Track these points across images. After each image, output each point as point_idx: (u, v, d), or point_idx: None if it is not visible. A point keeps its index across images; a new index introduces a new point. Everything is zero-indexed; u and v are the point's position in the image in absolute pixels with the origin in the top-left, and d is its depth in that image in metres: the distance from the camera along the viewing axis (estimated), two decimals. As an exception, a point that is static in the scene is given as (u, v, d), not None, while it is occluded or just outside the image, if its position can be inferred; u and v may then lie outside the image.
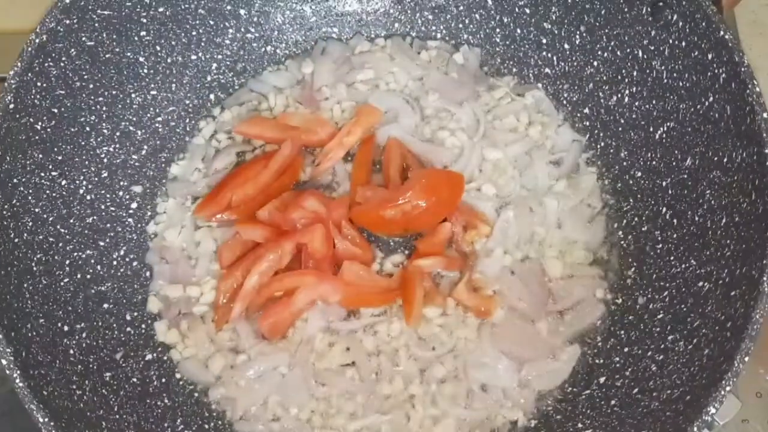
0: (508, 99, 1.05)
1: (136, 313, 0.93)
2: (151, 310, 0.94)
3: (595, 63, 0.99)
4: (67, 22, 0.87)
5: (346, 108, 1.04)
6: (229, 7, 1.03)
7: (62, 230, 0.89)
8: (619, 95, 0.97)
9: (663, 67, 0.89)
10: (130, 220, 0.97)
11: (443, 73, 1.06)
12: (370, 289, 0.92)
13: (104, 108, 0.94)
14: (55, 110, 0.88)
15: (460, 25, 1.08)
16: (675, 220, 0.89)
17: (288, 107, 1.05)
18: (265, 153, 1.02)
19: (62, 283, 0.87)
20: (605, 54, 0.97)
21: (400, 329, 0.91)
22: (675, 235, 0.89)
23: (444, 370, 0.89)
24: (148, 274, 0.96)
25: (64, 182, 0.90)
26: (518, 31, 1.04)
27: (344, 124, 1.02)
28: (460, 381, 0.89)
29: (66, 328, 0.85)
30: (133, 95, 0.98)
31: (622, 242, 0.95)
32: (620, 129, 0.97)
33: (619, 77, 0.96)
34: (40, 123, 0.86)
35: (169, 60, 1.00)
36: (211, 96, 1.05)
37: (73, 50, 0.88)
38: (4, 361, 0.74)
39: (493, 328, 0.91)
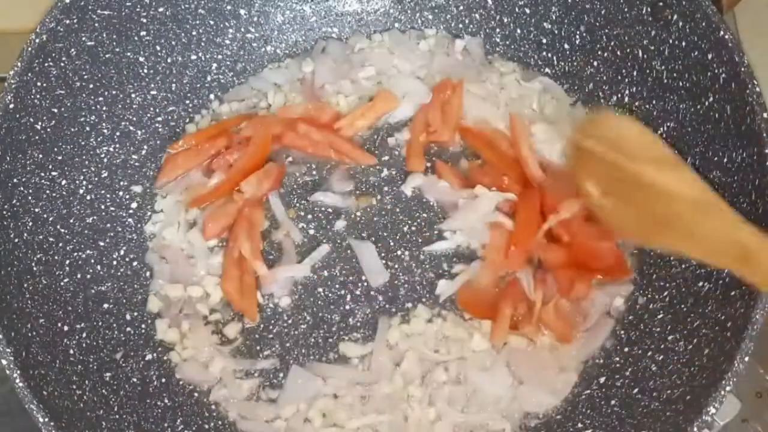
0: (516, 84, 1.04)
1: (136, 313, 0.93)
2: (151, 310, 0.94)
3: (595, 63, 0.99)
4: (67, 22, 0.87)
5: (351, 101, 1.04)
6: (229, 7, 1.03)
7: (62, 230, 0.89)
8: (619, 95, 0.97)
9: (663, 67, 0.89)
10: (130, 220, 0.97)
11: (446, 56, 1.05)
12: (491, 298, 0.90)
13: (104, 108, 0.94)
14: (55, 110, 0.88)
15: (460, 25, 1.07)
16: (675, 220, 0.89)
17: (287, 103, 1.05)
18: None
19: (62, 283, 0.87)
20: (605, 54, 0.97)
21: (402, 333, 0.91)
22: (675, 235, 0.89)
23: (446, 375, 0.88)
24: (148, 274, 0.96)
25: (64, 182, 0.90)
26: (518, 31, 1.04)
27: (357, 107, 1.02)
28: (458, 384, 0.88)
29: (66, 328, 0.85)
30: (133, 95, 0.98)
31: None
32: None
33: (619, 77, 0.96)
34: (40, 123, 0.86)
35: (169, 60, 1.00)
36: (211, 96, 1.05)
37: (73, 50, 0.88)
38: (4, 361, 0.74)
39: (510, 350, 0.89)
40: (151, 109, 1.00)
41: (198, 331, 0.92)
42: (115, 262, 0.94)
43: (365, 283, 0.94)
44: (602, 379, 0.87)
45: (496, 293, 0.90)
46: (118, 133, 0.96)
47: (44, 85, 0.86)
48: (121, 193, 0.97)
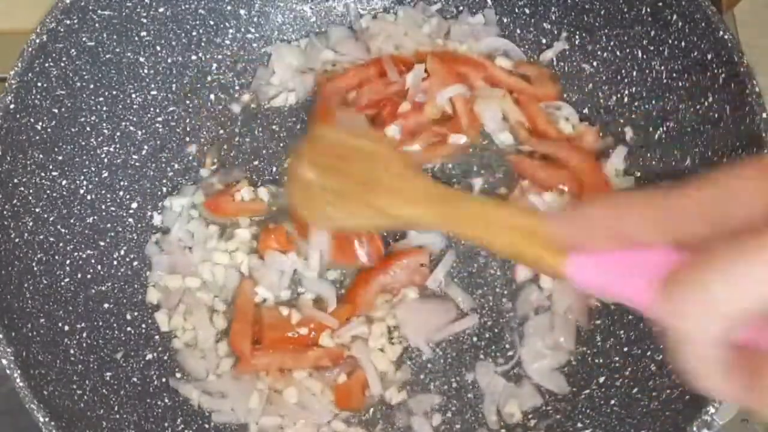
0: None
1: (136, 313, 0.93)
2: (150, 301, 0.94)
3: (595, 63, 0.99)
4: (68, 22, 0.87)
5: None
6: (229, 7, 1.03)
7: (62, 230, 0.89)
8: (619, 95, 0.97)
9: (663, 67, 0.89)
10: (130, 220, 0.97)
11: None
12: None
13: (104, 108, 0.94)
14: (56, 110, 0.88)
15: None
16: (675, 220, 0.89)
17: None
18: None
19: (62, 283, 0.87)
20: (605, 54, 0.97)
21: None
22: (675, 235, 0.89)
23: None
24: (148, 273, 0.96)
25: (64, 182, 0.90)
26: (518, 31, 1.04)
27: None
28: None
29: (66, 328, 0.85)
30: (133, 95, 0.98)
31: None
32: (620, 129, 0.97)
33: (619, 77, 0.96)
34: (40, 123, 0.86)
35: (169, 60, 1.00)
36: (211, 96, 1.05)
37: (73, 50, 0.89)
38: (4, 361, 0.74)
39: None
40: (151, 109, 1.00)
41: (198, 312, 0.92)
42: (115, 262, 0.94)
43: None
44: (602, 379, 0.87)
45: None
46: (118, 134, 0.96)
47: (44, 85, 0.86)
48: (121, 193, 0.97)
